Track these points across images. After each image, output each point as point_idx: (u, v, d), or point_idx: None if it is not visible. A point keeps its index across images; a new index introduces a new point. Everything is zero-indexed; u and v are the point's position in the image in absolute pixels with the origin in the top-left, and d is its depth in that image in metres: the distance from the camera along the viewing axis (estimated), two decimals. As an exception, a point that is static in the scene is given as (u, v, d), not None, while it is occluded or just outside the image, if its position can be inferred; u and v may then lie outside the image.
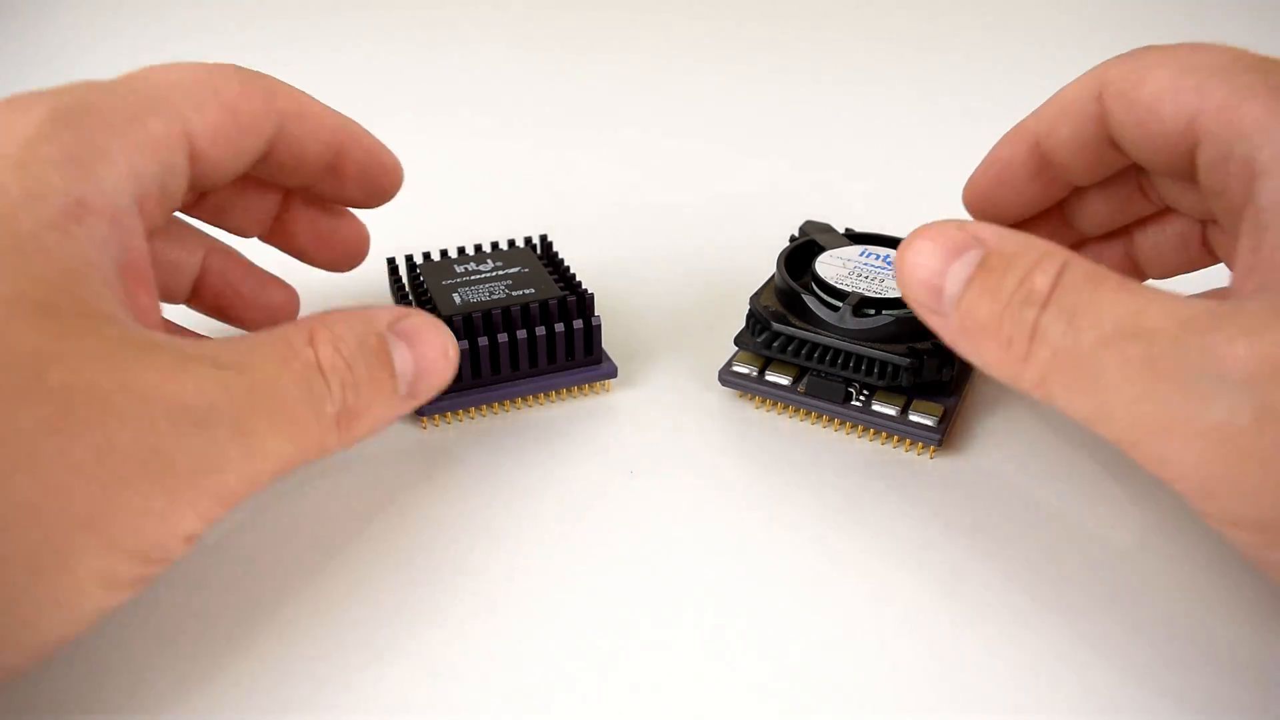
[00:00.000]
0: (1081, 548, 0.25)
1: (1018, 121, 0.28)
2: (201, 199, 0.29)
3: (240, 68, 0.26)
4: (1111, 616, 0.23)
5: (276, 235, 0.31)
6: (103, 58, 0.64)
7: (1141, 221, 0.29)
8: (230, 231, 0.31)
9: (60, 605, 0.18)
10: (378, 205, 0.31)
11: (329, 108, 0.28)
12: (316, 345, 0.22)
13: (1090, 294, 0.20)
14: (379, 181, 0.30)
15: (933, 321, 0.23)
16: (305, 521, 0.26)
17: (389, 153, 0.30)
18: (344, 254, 0.32)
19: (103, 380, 0.18)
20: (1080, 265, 0.21)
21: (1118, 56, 0.25)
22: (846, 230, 0.34)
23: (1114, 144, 0.26)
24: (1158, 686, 0.21)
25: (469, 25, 0.70)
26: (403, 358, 0.24)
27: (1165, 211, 0.28)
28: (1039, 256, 0.21)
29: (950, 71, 0.62)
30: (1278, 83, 0.22)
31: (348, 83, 0.59)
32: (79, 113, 0.22)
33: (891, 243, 0.32)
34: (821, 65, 0.63)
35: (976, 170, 0.29)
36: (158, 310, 0.23)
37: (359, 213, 0.33)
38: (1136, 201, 0.29)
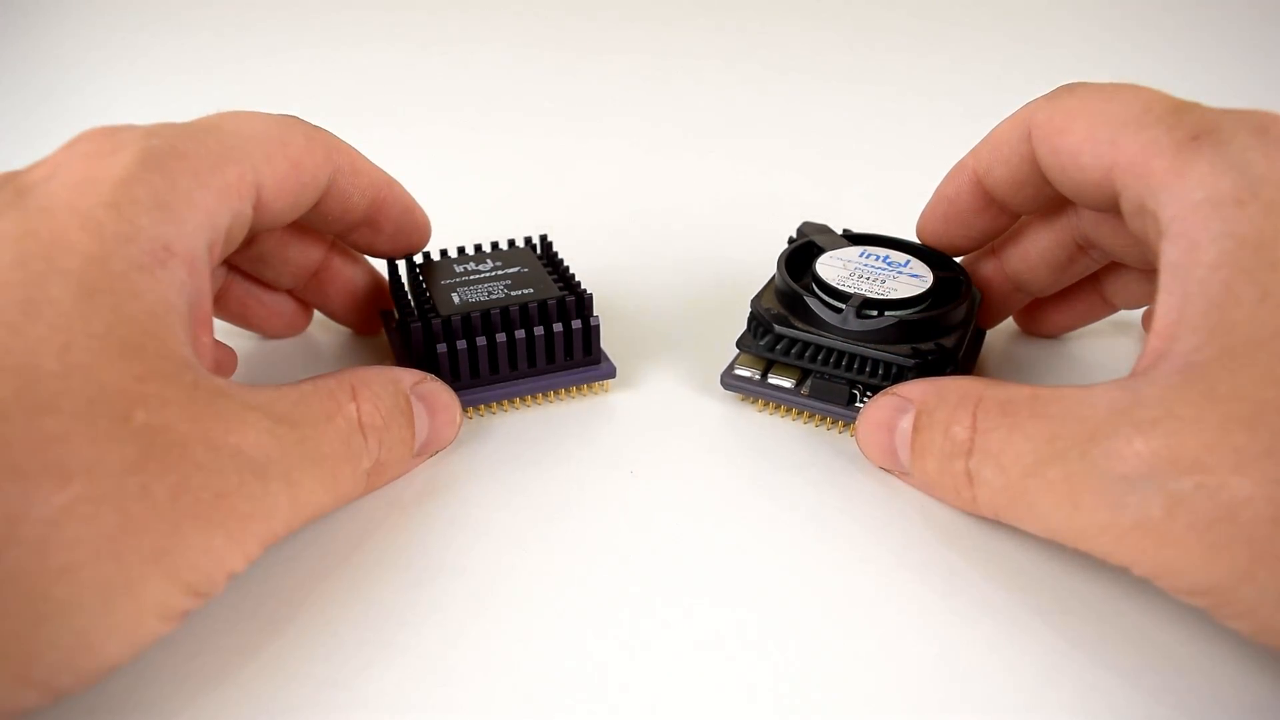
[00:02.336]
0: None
1: (959, 160, 0.29)
2: (247, 247, 0.30)
3: (303, 121, 0.27)
4: (1116, 616, 0.23)
5: (311, 290, 0.33)
6: (100, 56, 0.63)
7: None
8: (266, 284, 0.32)
9: (122, 633, 0.19)
10: (403, 256, 0.32)
11: (374, 164, 0.29)
12: (359, 402, 0.24)
13: (1007, 432, 0.22)
14: (410, 237, 0.31)
15: (904, 480, 0.27)
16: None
17: (421, 210, 0.31)
18: (368, 315, 0.34)
19: (181, 426, 0.20)
20: (992, 402, 0.23)
21: (1044, 96, 0.26)
22: (845, 231, 0.34)
23: (1044, 178, 0.27)
24: (1160, 685, 0.22)
25: (471, 25, 0.69)
26: (421, 420, 0.26)
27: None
28: (953, 407, 0.24)
29: (947, 72, 0.62)
30: (1184, 135, 0.22)
31: (349, 82, 0.58)
32: (168, 157, 0.23)
33: (890, 243, 0.32)
34: (820, 66, 0.63)
35: (927, 206, 0.31)
36: (213, 347, 0.25)
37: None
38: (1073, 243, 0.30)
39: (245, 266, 0.31)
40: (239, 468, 0.20)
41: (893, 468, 0.27)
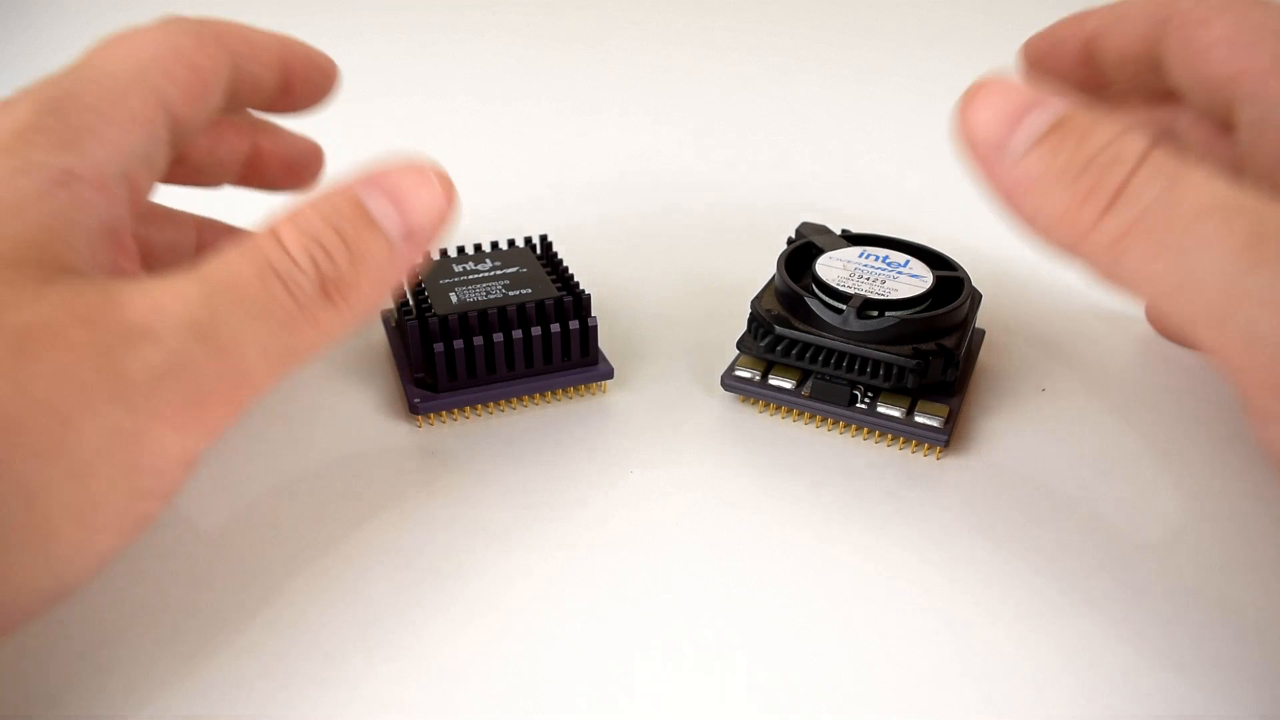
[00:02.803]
0: (1091, 546, 0.25)
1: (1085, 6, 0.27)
2: (179, 165, 0.28)
3: (186, 18, 0.26)
4: (1121, 615, 0.23)
5: (249, 177, 0.32)
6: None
7: None
8: (207, 185, 0.31)
9: (34, 548, 0.18)
10: (318, 105, 0.31)
11: (267, 31, 0.28)
12: (279, 233, 0.21)
13: (1190, 167, 0.19)
14: (321, 86, 0.30)
15: (984, 171, 0.22)
16: (301, 521, 0.26)
17: (323, 54, 0.30)
18: (309, 171, 0.33)
19: (58, 316, 0.18)
20: (1172, 148, 0.20)
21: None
22: (844, 231, 0.34)
23: (1158, 68, 0.25)
24: (1162, 684, 0.21)
25: (470, 23, 0.69)
26: (381, 207, 0.22)
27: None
28: (1128, 126, 0.20)
29: (947, 71, 0.62)
30: None
31: (348, 80, 0.58)
32: (63, 100, 0.22)
33: (890, 243, 0.32)
34: (820, 66, 0.63)
35: (1038, 33, 0.29)
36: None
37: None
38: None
39: (185, 181, 0.30)
40: (130, 339, 0.18)
41: (983, 148, 0.21)
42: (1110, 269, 0.20)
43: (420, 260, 0.23)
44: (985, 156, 0.21)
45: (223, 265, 0.20)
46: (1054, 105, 0.21)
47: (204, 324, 0.19)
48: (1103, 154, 0.20)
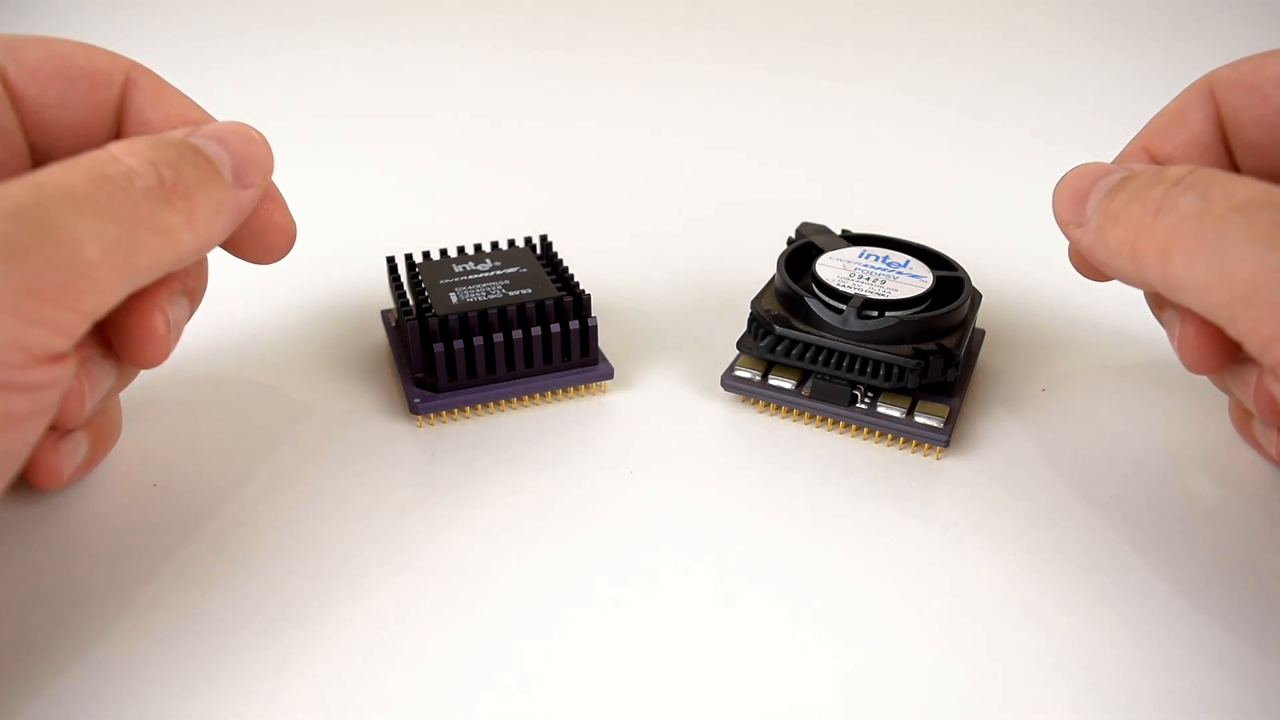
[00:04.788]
0: (1091, 546, 0.25)
1: (1128, 141, 0.28)
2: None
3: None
4: (1121, 615, 0.23)
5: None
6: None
7: None
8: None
9: None
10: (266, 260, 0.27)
11: (196, 105, 0.27)
12: (111, 149, 0.21)
13: (1225, 178, 0.21)
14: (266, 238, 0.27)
15: (1071, 234, 0.25)
16: (301, 521, 0.26)
17: (279, 211, 0.27)
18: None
19: None
20: (1215, 169, 0.22)
21: (1222, 66, 0.26)
22: (843, 231, 0.34)
23: (1227, 147, 0.26)
24: (1163, 685, 0.21)
25: (470, 25, 0.69)
26: (210, 146, 0.23)
27: None
28: (1178, 165, 0.23)
29: (947, 72, 0.62)
30: None
31: (348, 82, 0.58)
32: None
33: (890, 243, 0.32)
34: (818, 67, 0.63)
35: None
36: None
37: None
38: None
39: None
40: None
41: (1070, 218, 0.25)
42: (1165, 281, 0.22)
43: (249, 205, 0.24)
44: (1070, 235, 0.25)
45: (49, 171, 0.20)
46: (1116, 173, 0.24)
47: (29, 211, 0.19)
48: (1142, 187, 0.22)
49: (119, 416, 0.28)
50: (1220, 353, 0.24)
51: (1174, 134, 0.27)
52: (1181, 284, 0.21)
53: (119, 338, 0.24)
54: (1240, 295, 0.20)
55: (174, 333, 0.24)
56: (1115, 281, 0.27)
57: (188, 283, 0.25)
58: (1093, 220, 0.24)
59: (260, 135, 0.25)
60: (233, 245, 0.26)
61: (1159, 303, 0.25)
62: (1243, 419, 0.28)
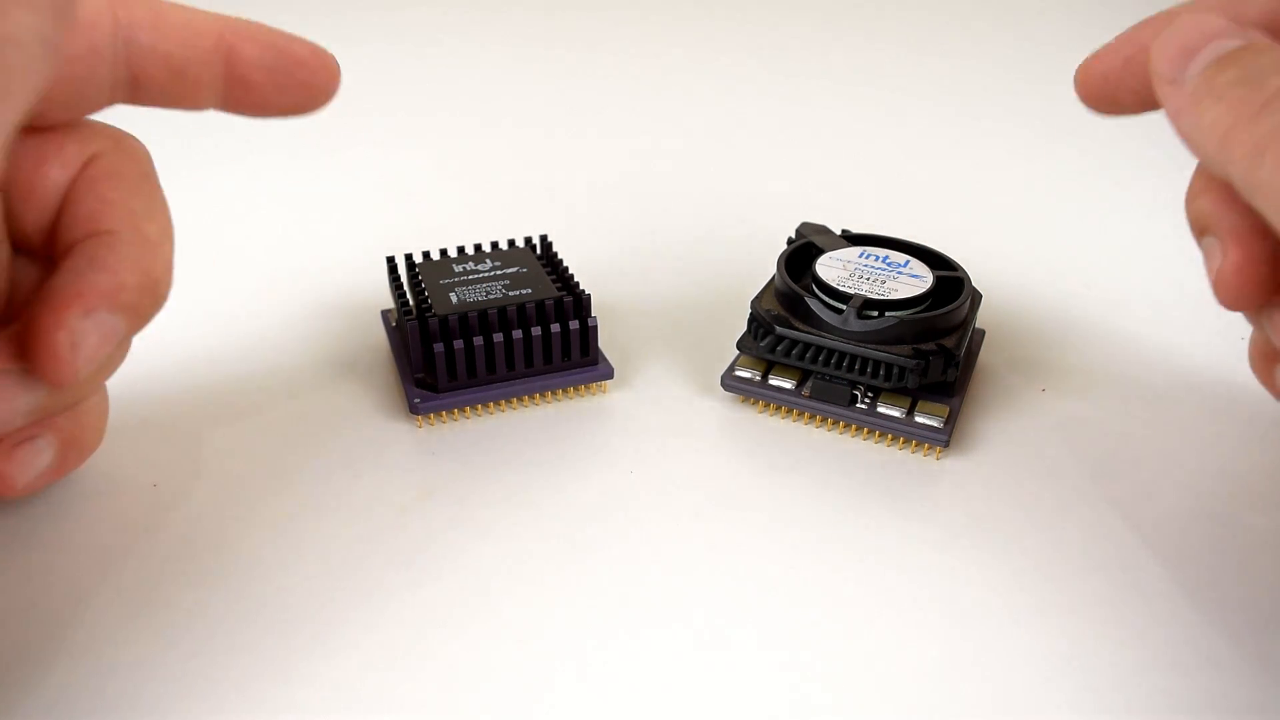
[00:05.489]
0: (1091, 546, 0.25)
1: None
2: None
3: None
4: (1121, 615, 0.23)
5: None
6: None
7: None
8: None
9: None
10: (309, 108, 0.25)
11: (206, 12, 0.23)
12: None
13: None
14: (307, 84, 0.24)
15: (1163, 90, 0.22)
16: (301, 521, 0.26)
17: (310, 48, 0.24)
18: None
19: None
20: None
21: None
22: (844, 231, 0.34)
23: None
24: (1161, 686, 0.21)
25: (470, 24, 0.69)
26: None
27: None
28: None
29: (946, 72, 0.62)
30: None
31: (348, 81, 0.58)
32: None
33: (890, 243, 0.32)
34: (819, 66, 0.63)
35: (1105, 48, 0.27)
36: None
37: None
38: None
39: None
40: None
41: (1168, 71, 0.22)
42: (1248, 178, 0.20)
43: None
44: (1162, 89, 0.22)
45: None
46: (1234, 37, 0.21)
47: None
48: (1258, 72, 0.20)
49: (99, 423, 0.26)
50: (1259, 289, 0.22)
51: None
52: (1264, 188, 0.19)
53: (28, 351, 0.21)
54: None
55: (85, 353, 0.21)
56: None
57: (120, 297, 0.22)
58: (1192, 84, 0.21)
59: None
60: (262, 100, 0.24)
61: (1201, 228, 0.23)
62: (1265, 360, 0.27)
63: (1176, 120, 0.22)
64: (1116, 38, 0.26)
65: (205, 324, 0.34)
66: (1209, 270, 0.23)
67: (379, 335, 0.34)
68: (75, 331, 0.21)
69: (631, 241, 0.42)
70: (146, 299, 0.22)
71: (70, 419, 0.25)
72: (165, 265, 0.23)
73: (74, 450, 0.26)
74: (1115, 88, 0.26)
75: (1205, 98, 0.21)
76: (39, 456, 0.24)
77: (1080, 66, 0.26)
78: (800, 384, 0.30)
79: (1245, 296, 0.22)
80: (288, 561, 0.25)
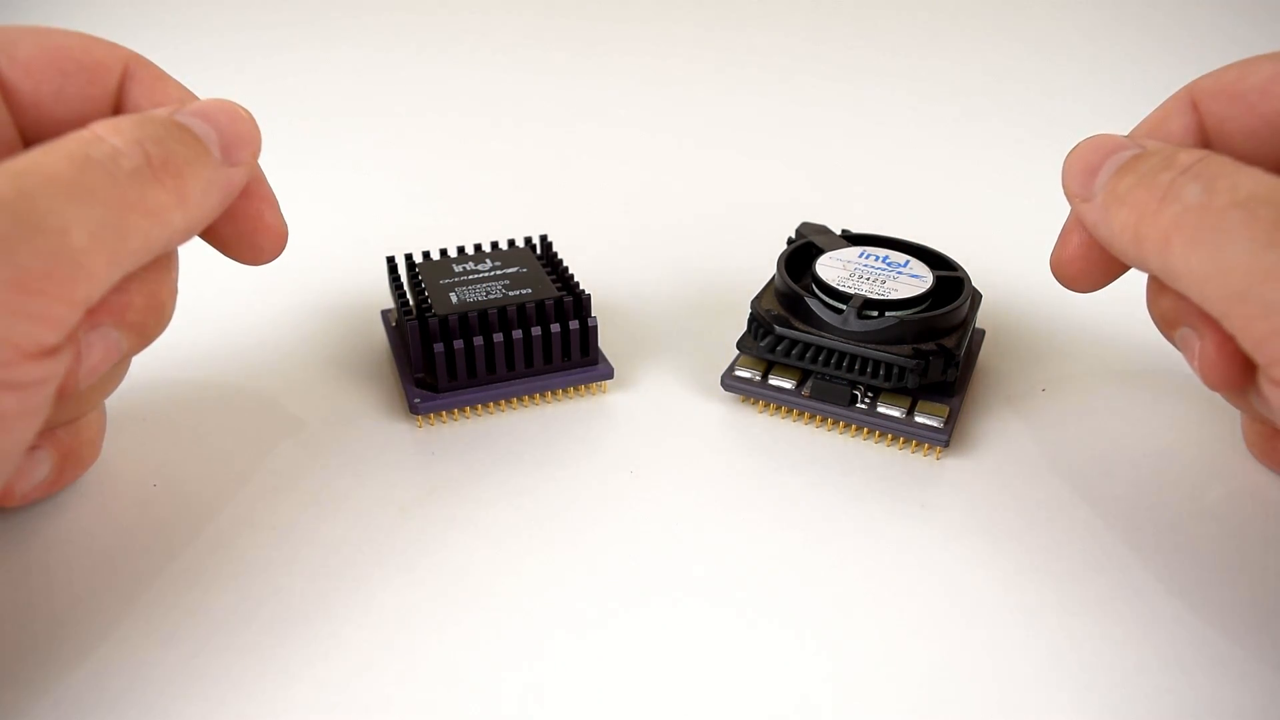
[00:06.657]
0: (1091, 546, 0.25)
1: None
2: None
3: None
4: (1121, 615, 0.23)
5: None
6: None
7: None
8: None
9: None
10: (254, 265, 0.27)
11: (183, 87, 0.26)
12: (95, 129, 0.21)
13: (1233, 170, 0.21)
14: (257, 243, 0.26)
15: (1078, 208, 0.25)
16: (301, 521, 0.26)
17: (276, 212, 0.26)
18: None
19: None
20: (1226, 158, 0.21)
21: (1204, 75, 0.25)
22: (843, 231, 0.34)
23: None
24: (1161, 686, 0.21)
25: (471, 25, 0.69)
26: (197, 124, 0.23)
27: None
28: (1191, 149, 0.22)
29: (946, 72, 0.62)
30: None
31: (348, 82, 0.58)
32: None
33: (890, 243, 0.32)
34: (819, 67, 0.63)
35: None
36: None
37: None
38: None
39: None
40: None
41: (1077, 184, 0.24)
42: (1165, 269, 0.21)
43: (239, 183, 0.24)
44: (1078, 208, 0.25)
45: (30, 156, 0.19)
46: (1128, 148, 0.24)
47: (11, 201, 0.18)
48: (1159, 165, 0.22)
49: (97, 436, 0.27)
50: (1243, 369, 0.22)
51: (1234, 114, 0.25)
52: (1179, 273, 0.21)
53: None
54: (1235, 291, 0.20)
55: (88, 364, 0.22)
56: (1111, 284, 0.27)
57: (126, 315, 0.23)
58: (1100, 197, 0.23)
59: (247, 112, 0.24)
60: (223, 244, 0.26)
61: (1170, 323, 0.25)
62: (1263, 441, 0.28)
63: (1095, 231, 0.24)
64: (1062, 228, 0.27)
65: (205, 324, 0.34)
66: (1190, 358, 0.24)
67: (379, 335, 0.34)
68: (78, 342, 0.21)
69: (632, 241, 0.42)
70: (151, 319, 0.23)
71: (69, 432, 0.26)
72: (171, 289, 0.24)
73: (71, 463, 0.26)
74: (1091, 267, 0.27)
75: (1112, 205, 0.23)
76: (38, 468, 0.25)
77: (1051, 263, 0.28)
78: (800, 384, 0.30)
79: (1232, 374, 0.23)
80: (288, 561, 0.25)
